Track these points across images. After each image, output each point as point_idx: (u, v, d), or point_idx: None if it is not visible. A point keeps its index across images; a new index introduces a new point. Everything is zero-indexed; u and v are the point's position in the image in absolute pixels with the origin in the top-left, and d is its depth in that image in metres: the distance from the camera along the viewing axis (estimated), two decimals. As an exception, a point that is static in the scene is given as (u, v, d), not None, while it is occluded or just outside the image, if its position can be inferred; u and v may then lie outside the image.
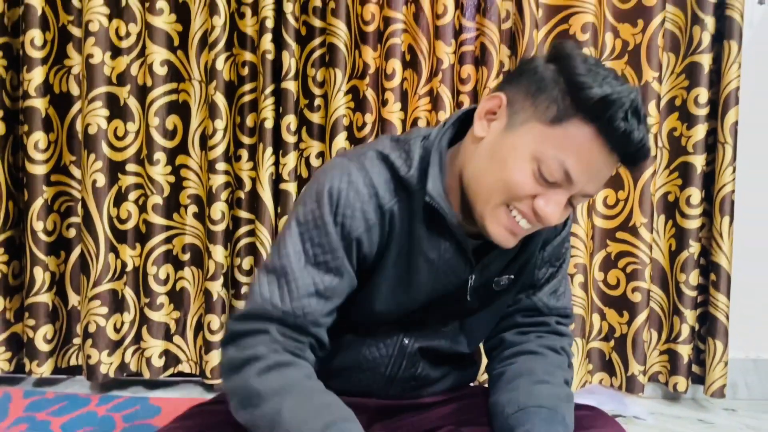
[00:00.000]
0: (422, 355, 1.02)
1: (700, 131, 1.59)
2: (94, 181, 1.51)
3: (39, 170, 1.52)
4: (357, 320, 0.94)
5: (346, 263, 0.86)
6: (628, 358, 1.61)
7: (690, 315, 1.62)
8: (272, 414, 0.76)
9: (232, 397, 0.83)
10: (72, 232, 1.59)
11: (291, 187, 1.54)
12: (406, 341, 0.99)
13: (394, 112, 1.53)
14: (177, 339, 1.61)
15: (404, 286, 0.93)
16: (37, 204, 1.52)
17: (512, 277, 0.98)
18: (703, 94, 1.58)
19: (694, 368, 1.67)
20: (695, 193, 1.60)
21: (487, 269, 0.95)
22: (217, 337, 1.56)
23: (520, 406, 0.94)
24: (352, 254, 0.87)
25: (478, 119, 0.86)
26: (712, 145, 1.61)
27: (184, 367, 1.61)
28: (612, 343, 1.65)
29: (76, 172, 1.57)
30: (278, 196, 1.55)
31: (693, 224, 1.61)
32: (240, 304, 1.58)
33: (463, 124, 0.92)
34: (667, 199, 1.65)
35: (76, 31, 1.55)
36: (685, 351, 1.63)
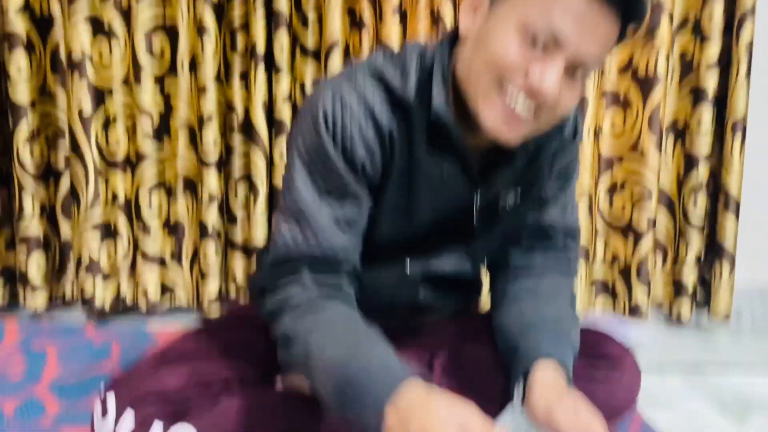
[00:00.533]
0: (425, 281, 0.98)
1: (713, 50, 1.52)
2: (80, 107, 1.45)
3: (22, 96, 1.45)
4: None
5: (357, 186, 0.83)
6: (632, 285, 1.59)
7: (696, 241, 1.59)
8: (304, 353, 0.76)
9: (277, 343, 0.82)
10: (61, 161, 1.54)
11: (285, 112, 1.48)
12: (409, 267, 0.96)
13: (392, 31, 1.46)
14: (172, 269, 1.57)
15: (405, 210, 0.88)
16: (22, 131, 1.46)
17: (519, 193, 0.94)
18: (717, 10, 1.50)
19: (699, 295, 1.65)
20: (706, 115, 1.54)
21: (493, 186, 0.90)
22: (213, 269, 1.53)
23: (525, 323, 0.92)
24: (360, 177, 0.83)
25: (462, 14, 0.81)
26: (725, 64, 1.54)
27: (180, 298, 1.58)
28: (616, 270, 1.62)
29: (61, 97, 1.51)
30: (272, 121, 1.50)
31: (703, 148, 1.56)
32: (236, 235, 1.54)
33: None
34: (676, 121, 1.60)
35: (54, -52, 1.46)
36: (690, 278, 1.60)
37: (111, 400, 0.81)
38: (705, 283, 1.64)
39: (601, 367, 0.94)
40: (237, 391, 0.88)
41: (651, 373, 1.33)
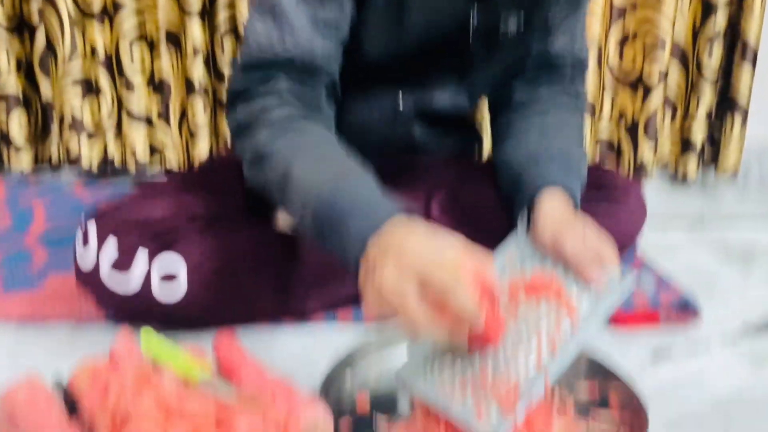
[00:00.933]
0: (419, 118, 0.92)
1: None
2: (49, -51, 1.34)
3: (-16, -63, 1.33)
4: (345, 70, 0.83)
5: None
6: (639, 143, 1.53)
7: (709, 95, 1.51)
8: (283, 173, 0.69)
9: (244, 160, 0.76)
10: (34, 14, 1.43)
11: (272, -47, 1.36)
12: (402, 102, 0.90)
13: None
14: (160, 130, 1.51)
15: (395, 22, 0.81)
16: (-11, -22, 1.35)
17: (522, 17, 0.86)
18: None
19: (707, 154, 1.59)
20: (729, -45, 1.42)
21: (492, 2, 0.82)
22: (202, 128, 1.47)
23: (530, 155, 0.86)
24: None
25: None
26: None
27: (170, 158, 1.52)
28: (623, 127, 1.56)
29: (27, -60, 1.39)
30: (258, -36, 1.38)
31: (721, -6, 1.45)
32: (223, 89, 1.47)
33: None
34: (696, -36, 1.48)
35: None
36: (698, 134, 1.54)
37: (92, 228, 0.77)
38: (713, 140, 1.58)
39: (606, 198, 0.90)
40: (224, 225, 0.84)
41: (654, 229, 1.30)
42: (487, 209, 0.93)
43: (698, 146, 1.54)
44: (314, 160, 0.70)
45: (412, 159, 0.99)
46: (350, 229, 0.62)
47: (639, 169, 1.54)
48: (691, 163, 1.55)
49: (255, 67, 0.75)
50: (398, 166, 0.98)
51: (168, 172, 1.53)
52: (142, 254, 0.76)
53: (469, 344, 0.61)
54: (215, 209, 0.87)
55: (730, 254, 1.22)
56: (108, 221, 0.78)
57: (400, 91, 0.90)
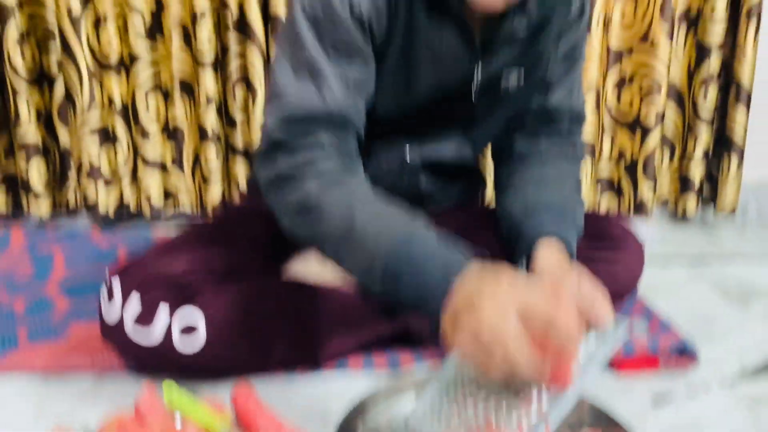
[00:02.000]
0: (425, 169, 0.97)
1: (729, -69, 1.44)
2: (69, 7, 1.40)
3: (8, -3, 1.40)
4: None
5: (366, 46, 0.80)
6: (638, 182, 1.57)
7: (705, 135, 1.56)
8: (344, 227, 0.70)
9: (284, 213, 0.77)
10: (53, 65, 1.49)
11: (280, 7, 1.43)
12: (408, 152, 0.94)
13: None
14: (174, 175, 1.56)
15: (405, 81, 0.86)
16: (11, 34, 1.42)
17: (522, 74, 0.91)
18: None
19: (705, 192, 1.63)
20: (720, 5, 1.48)
21: (494, 61, 0.88)
22: (214, 173, 1.52)
23: (529, 207, 0.91)
24: (367, 36, 0.80)
25: None
26: (741, -53, 1.46)
27: (184, 203, 1.58)
28: (622, 167, 1.60)
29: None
30: (268, 17, 1.44)
31: (716, 37, 1.50)
32: (237, 139, 1.52)
33: None
34: (689, 9, 1.53)
35: None
36: (697, 173, 1.58)
37: (116, 284, 0.82)
38: (712, 178, 1.62)
39: (603, 247, 0.94)
40: (242, 277, 0.88)
41: (655, 267, 1.34)
42: (492, 258, 0.97)
43: (696, 185, 1.59)
44: (375, 213, 0.71)
45: (418, 209, 1.03)
46: (430, 277, 0.63)
47: (639, 207, 1.58)
48: (690, 201, 1.59)
49: (295, 121, 0.77)
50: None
51: (182, 215, 1.58)
52: (163, 309, 0.80)
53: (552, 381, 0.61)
54: (231, 261, 0.91)
55: (729, 293, 1.25)
56: (131, 278, 0.82)
57: (408, 144, 0.95)
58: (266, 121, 0.80)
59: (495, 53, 0.87)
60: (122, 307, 0.80)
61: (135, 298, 0.80)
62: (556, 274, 0.77)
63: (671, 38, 1.48)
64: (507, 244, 0.92)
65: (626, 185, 1.60)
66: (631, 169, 1.58)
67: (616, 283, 0.92)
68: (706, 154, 1.58)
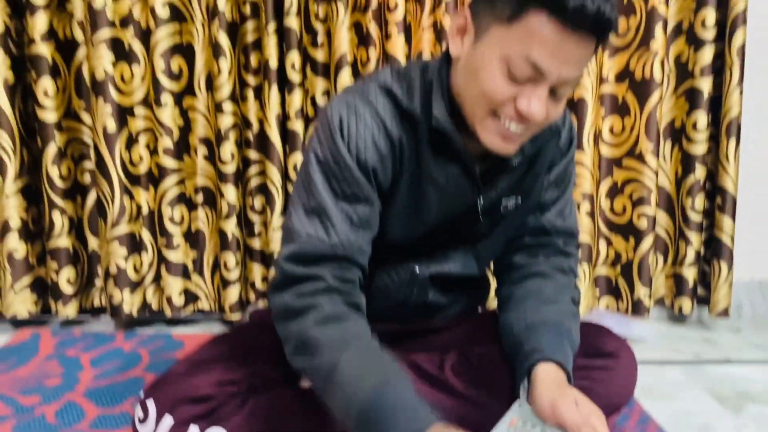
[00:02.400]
0: (433, 282, 1.06)
1: (707, 54, 1.58)
2: (105, 126, 1.53)
3: (50, 117, 1.54)
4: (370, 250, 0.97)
5: (371, 191, 0.90)
6: (634, 283, 1.65)
7: (695, 239, 1.65)
8: (329, 366, 0.80)
9: (286, 342, 0.87)
10: (87, 177, 1.62)
11: (298, 126, 1.56)
12: (418, 269, 1.03)
13: (398, 47, 1.52)
14: (195, 278, 1.66)
15: (414, 212, 0.97)
16: (51, 150, 1.55)
17: (519, 199, 1.01)
18: (710, 15, 1.56)
19: (700, 291, 1.71)
20: (702, 118, 1.60)
21: (494, 191, 0.98)
22: (233, 275, 1.61)
23: (528, 324, 0.99)
24: (372, 183, 0.90)
25: (451, 39, 0.88)
26: (719, 68, 1.60)
27: (203, 305, 1.66)
28: (618, 268, 1.69)
29: (86, 117, 1.59)
30: (286, 135, 1.57)
31: (699, 149, 1.62)
32: (254, 243, 1.62)
33: None
34: (673, 124, 1.66)
35: (76, -24, 1.54)
36: (690, 274, 1.66)
37: (151, 404, 0.89)
38: (705, 279, 1.70)
39: (598, 364, 1.00)
40: (263, 392, 0.96)
41: (652, 367, 1.40)
42: (495, 369, 1.04)
43: (690, 286, 1.66)
44: (359, 359, 0.80)
45: (426, 322, 1.11)
46: (398, 430, 0.72)
47: (637, 307, 1.65)
48: (686, 302, 1.66)
49: (304, 259, 0.87)
50: (414, 330, 1.11)
51: (200, 312, 1.66)
52: (193, 429, 0.87)
53: None
54: (255, 375, 0.98)
55: (723, 396, 1.30)
56: (163, 397, 0.90)
57: (417, 265, 1.04)
58: (280, 254, 0.90)
59: (494, 183, 0.97)
60: (155, 428, 0.88)
61: (167, 419, 0.88)
62: (554, 397, 0.84)
63: (657, 151, 1.60)
64: (509, 359, 0.99)
65: (623, 286, 1.68)
66: (627, 271, 1.67)
67: (612, 396, 0.99)
68: (698, 256, 1.66)
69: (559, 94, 0.84)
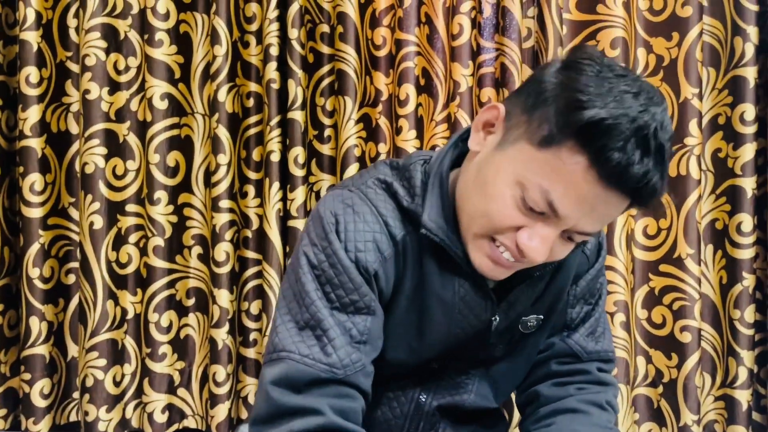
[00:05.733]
0: (443, 415, 0.89)
1: (748, 151, 1.45)
2: (92, 223, 1.43)
3: (35, 213, 1.44)
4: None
5: (372, 299, 0.76)
6: (680, 406, 1.45)
7: (747, 356, 1.46)
8: None
9: None
10: (71, 279, 1.51)
11: (300, 224, 1.44)
12: (423, 398, 0.88)
13: (409, 141, 1.42)
14: (181, 392, 1.50)
15: (417, 330, 0.82)
16: (34, 249, 1.44)
17: (541, 317, 0.86)
18: (749, 110, 1.45)
19: (755, 416, 1.50)
20: (747, 220, 1.45)
21: (512, 308, 0.84)
22: (223, 389, 1.45)
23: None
24: (374, 290, 0.77)
25: (475, 130, 0.76)
26: (762, 166, 1.47)
27: (189, 422, 1.49)
28: (660, 389, 1.49)
29: (74, 214, 1.50)
30: (286, 233, 1.45)
31: (746, 254, 1.46)
32: (249, 353, 1.47)
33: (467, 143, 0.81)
34: (714, 226, 1.51)
35: (74, 67, 1.49)
36: (743, 396, 1.46)
37: None
38: (760, 402, 1.49)
39: None
40: None
41: None
42: None
43: (744, 410, 1.46)
44: None
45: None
46: None
47: (683, 431, 1.45)
48: (740, 429, 1.45)
49: (295, 384, 0.73)
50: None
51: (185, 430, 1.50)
52: None
53: None
54: None
55: None
56: None
57: (422, 394, 0.88)
58: (264, 377, 0.75)
59: (511, 299, 0.82)
60: None
61: None
62: None
63: (699, 256, 1.44)
64: None
65: (666, 409, 1.48)
66: (671, 392, 1.47)
67: None
68: (750, 377, 1.47)
69: (572, 238, 0.72)
